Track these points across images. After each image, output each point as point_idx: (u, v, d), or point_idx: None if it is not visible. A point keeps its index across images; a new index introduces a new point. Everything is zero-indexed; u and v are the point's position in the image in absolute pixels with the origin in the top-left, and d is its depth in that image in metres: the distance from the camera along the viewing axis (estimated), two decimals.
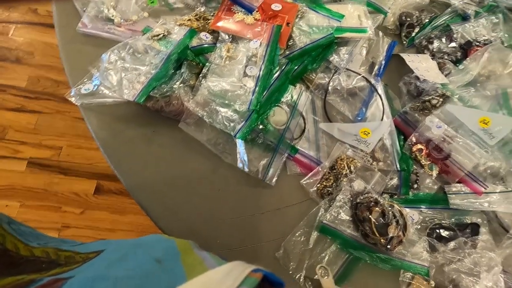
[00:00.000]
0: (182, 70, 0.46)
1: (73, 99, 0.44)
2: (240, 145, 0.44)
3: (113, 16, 0.50)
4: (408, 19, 0.58)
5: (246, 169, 0.44)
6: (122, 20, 0.50)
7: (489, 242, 0.46)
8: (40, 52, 1.29)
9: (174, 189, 0.44)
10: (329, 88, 0.50)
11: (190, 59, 0.47)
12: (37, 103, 1.22)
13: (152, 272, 0.24)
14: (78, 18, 0.49)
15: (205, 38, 0.50)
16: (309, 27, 0.53)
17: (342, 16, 0.53)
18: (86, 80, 0.45)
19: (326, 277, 0.37)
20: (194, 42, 0.49)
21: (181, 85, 0.45)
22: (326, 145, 0.49)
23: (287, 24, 0.52)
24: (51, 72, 1.27)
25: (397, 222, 0.44)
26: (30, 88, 1.24)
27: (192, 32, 0.49)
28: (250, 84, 0.46)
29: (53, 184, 1.13)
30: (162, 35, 0.49)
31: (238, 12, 0.52)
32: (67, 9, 0.50)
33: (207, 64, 0.47)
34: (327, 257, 0.43)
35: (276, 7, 0.53)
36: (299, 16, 0.54)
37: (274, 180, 0.45)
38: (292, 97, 0.49)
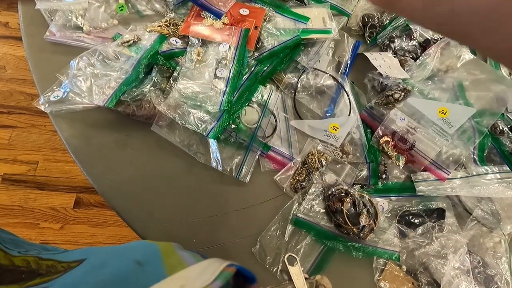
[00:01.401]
0: (153, 74, 0.47)
1: (42, 107, 0.44)
2: (213, 144, 0.45)
3: (81, 24, 0.50)
4: (370, 20, 0.62)
5: (220, 168, 0.45)
6: (91, 28, 0.50)
7: (455, 225, 0.48)
8: (12, 66, 1.26)
9: (149, 192, 0.45)
10: (298, 86, 0.53)
11: (161, 64, 0.48)
12: (10, 118, 1.18)
13: (132, 274, 0.24)
14: (45, 27, 0.49)
15: (175, 43, 0.51)
16: (277, 30, 0.55)
17: (308, 18, 0.56)
18: (55, 87, 0.45)
19: (295, 265, 0.38)
20: (164, 47, 0.50)
21: (152, 88, 0.46)
22: (298, 141, 0.51)
23: (255, 27, 0.54)
24: (24, 86, 1.24)
25: (368, 211, 0.46)
26: (3, 103, 1.20)
27: (162, 38, 0.50)
28: (221, 85, 0.48)
29: (29, 200, 1.09)
30: (132, 41, 0.49)
31: (207, 18, 0.54)
32: (34, 18, 0.50)
33: (177, 67, 0.48)
34: (302, 250, 0.44)
35: (244, 11, 0.55)
36: (267, 19, 0.56)
37: (248, 177, 0.46)
38: (262, 96, 0.51)
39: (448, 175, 0.50)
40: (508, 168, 0.52)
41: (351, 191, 0.47)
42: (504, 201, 0.50)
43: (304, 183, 0.47)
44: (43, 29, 0.49)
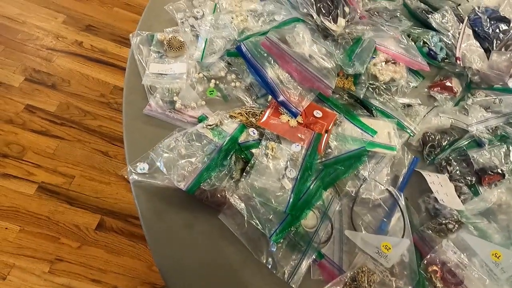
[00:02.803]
0: (230, 164, 0.51)
1: (127, 175, 0.48)
2: (272, 246, 0.47)
3: (175, 101, 0.55)
4: (431, 139, 0.65)
5: (274, 270, 0.46)
6: (182, 106, 0.56)
7: None
8: (75, 82, 1.36)
9: (201, 275, 0.46)
10: (357, 198, 0.55)
11: (238, 153, 0.52)
12: (61, 129, 1.26)
13: None
14: (142, 98, 0.55)
15: (253, 134, 0.55)
16: (344, 137, 0.59)
17: (375, 132, 0.60)
18: (142, 159, 0.49)
19: None
20: (243, 137, 0.54)
21: (227, 178, 0.49)
22: (349, 252, 0.52)
23: (326, 131, 0.58)
24: (81, 102, 1.33)
25: None
26: (58, 114, 1.29)
27: (242, 128, 0.55)
28: (288, 186, 0.51)
29: (57, 213, 1.12)
30: (215, 125, 0.54)
31: (283, 114, 0.58)
32: (136, 88, 0.56)
33: (252, 160, 0.52)
34: None
35: (317, 113, 0.60)
36: (336, 124, 0.60)
37: (298, 283, 0.47)
38: (323, 202, 0.53)
39: None
40: None
41: None
42: None
43: None
44: (141, 100, 0.55)
